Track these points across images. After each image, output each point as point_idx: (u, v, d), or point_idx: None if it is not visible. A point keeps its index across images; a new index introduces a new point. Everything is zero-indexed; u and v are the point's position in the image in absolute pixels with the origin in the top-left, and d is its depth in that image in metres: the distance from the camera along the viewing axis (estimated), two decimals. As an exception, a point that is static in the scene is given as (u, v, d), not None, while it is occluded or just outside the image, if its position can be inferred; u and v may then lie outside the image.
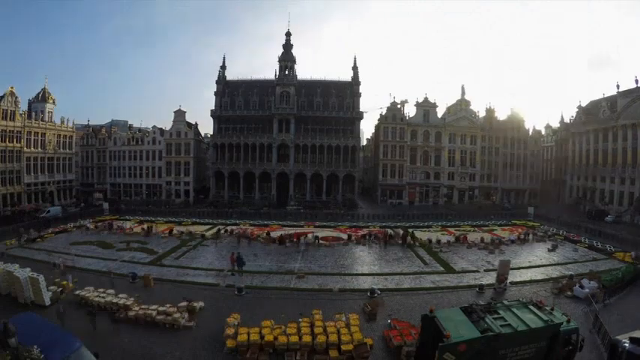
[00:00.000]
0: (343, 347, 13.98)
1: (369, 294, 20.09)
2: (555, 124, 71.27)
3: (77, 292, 19.03)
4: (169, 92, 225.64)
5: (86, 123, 70.30)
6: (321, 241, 33.23)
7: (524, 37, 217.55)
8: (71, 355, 10.00)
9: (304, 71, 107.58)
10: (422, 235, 36.39)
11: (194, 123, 67.39)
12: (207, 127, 73.34)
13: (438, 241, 33.69)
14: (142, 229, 37.95)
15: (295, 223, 42.13)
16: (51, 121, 57.26)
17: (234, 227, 39.00)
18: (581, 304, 18.81)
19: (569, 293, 20.30)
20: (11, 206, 47.83)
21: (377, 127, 68.22)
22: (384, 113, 63.62)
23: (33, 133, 52.76)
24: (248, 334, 14.60)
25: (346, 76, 64.23)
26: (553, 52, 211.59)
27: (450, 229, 40.66)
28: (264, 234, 35.41)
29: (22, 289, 18.31)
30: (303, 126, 59.97)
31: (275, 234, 35.31)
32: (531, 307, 12.89)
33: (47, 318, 13.88)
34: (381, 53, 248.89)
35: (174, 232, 36.78)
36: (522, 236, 36.20)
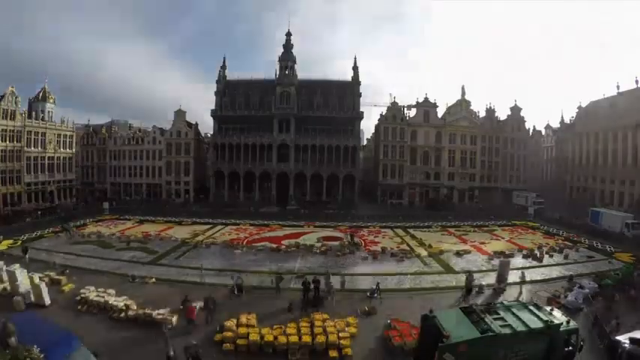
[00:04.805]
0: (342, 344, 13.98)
1: (368, 294, 20.09)
2: (555, 124, 71.14)
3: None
4: (169, 92, 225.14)
5: (86, 123, 70.17)
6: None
7: (524, 36, 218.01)
8: (71, 355, 10.03)
9: (304, 71, 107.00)
10: (423, 235, 36.30)
11: (194, 123, 67.40)
12: (207, 127, 72.94)
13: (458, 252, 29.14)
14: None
15: (295, 223, 42.12)
16: (51, 121, 57.23)
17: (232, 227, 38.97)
18: (581, 305, 18.78)
19: (568, 294, 20.29)
20: (11, 206, 47.82)
21: (377, 127, 68.14)
22: (384, 113, 63.65)
23: (33, 133, 52.68)
24: (248, 334, 14.61)
25: (346, 76, 64.32)
26: (553, 52, 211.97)
27: (450, 229, 40.65)
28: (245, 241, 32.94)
29: (22, 290, 18.29)
30: (303, 126, 59.78)
31: (273, 234, 35.21)
32: (531, 307, 12.91)
33: (47, 318, 13.90)
34: (381, 53, 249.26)
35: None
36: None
